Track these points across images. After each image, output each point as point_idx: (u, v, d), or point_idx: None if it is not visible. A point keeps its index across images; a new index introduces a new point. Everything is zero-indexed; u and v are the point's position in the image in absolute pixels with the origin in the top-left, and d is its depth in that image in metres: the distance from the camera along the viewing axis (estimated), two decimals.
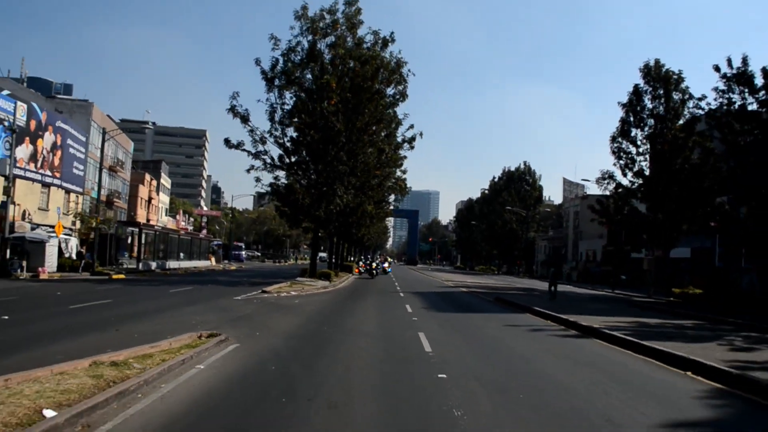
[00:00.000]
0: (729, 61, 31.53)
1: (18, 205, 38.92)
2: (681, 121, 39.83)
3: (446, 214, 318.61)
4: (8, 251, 33.61)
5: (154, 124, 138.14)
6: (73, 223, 46.44)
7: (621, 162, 41.25)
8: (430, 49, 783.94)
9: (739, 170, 31.10)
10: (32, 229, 39.83)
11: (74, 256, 42.02)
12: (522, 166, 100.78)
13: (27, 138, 39.99)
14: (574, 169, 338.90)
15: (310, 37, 35.33)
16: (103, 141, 40.83)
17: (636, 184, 40.82)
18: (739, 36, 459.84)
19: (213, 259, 69.87)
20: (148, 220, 70.91)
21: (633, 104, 40.91)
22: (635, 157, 40.87)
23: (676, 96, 40.22)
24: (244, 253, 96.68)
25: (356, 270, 54.84)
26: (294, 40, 35.28)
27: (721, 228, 35.70)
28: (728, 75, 31.72)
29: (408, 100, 37.80)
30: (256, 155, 35.80)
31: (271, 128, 36.16)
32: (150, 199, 79.47)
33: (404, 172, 47.02)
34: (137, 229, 49.47)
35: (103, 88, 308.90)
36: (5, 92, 39.48)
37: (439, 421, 6.77)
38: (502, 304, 26.37)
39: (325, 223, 37.53)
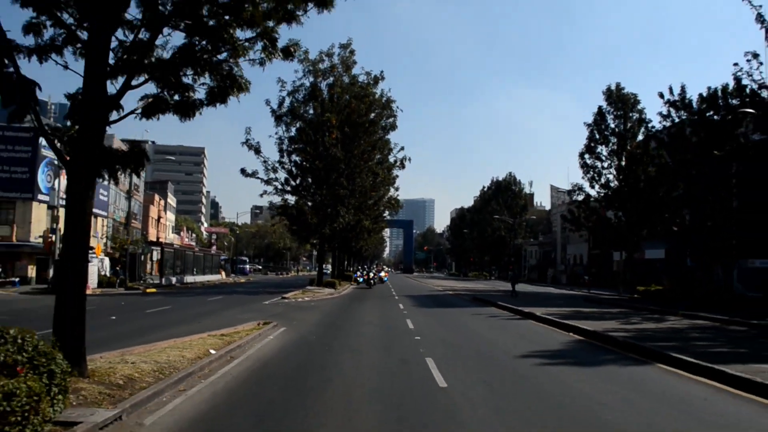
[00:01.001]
0: (671, 89, 37.20)
1: (60, 230, 44.75)
2: (640, 137, 45.71)
3: (441, 221, 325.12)
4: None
5: (153, 143, 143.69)
6: (105, 245, 52.16)
7: (588, 175, 47.12)
8: (422, 57, 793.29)
9: (683, 184, 36.86)
10: None
11: (108, 274, 47.74)
12: (508, 177, 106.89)
13: (63, 170, 45.83)
14: (566, 171, 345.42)
15: (311, 78, 41.38)
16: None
17: (602, 195, 46.66)
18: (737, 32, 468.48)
19: (223, 274, 75.57)
20: (157, 238, 76.52)
21: (598, 123, 46.72)
22: (602, 170, 46.60)
23: (633, 116, 46.26)
24: (248, 266, 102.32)
25: (353, 281, 60.45)
26: (298, 81, 41.36)
27: (678, 232, 41.08)
28: (670, 100, 37.48)
29: (402, 107, 44.26)
30: (268, 182, 41.79)
31: (280, 158, 42.22)
32: (159, 218, 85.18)
33: (397, 189, 53.35)
34: (159, 248, 55.17)
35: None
36: None
37: (415, 357, 12.60)
38: (476, 301, 32.45)
39: (330, 239, 43.51)
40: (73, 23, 8.78)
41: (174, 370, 9.71)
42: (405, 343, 14.50)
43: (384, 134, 44.38)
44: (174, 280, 53.42)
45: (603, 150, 46.98)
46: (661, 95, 38.20)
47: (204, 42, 9.36)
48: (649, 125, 42.50)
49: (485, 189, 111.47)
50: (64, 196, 45.75)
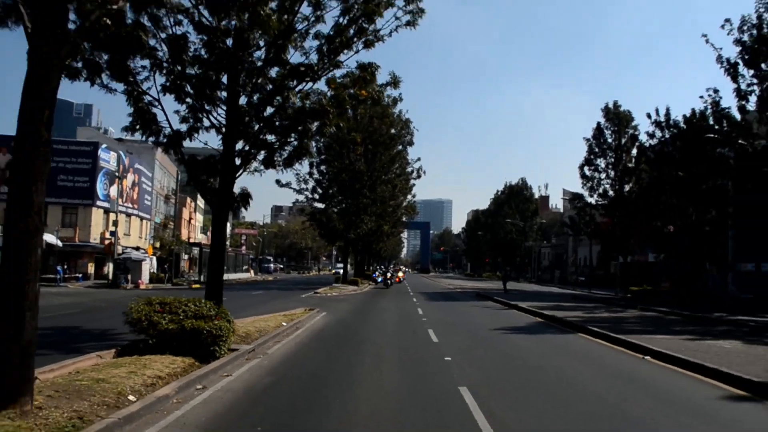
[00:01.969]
0: (657, 111, 41.95)
1: (117, 232, 51.03)
2: (634, 152, 50.63)
3: (458, 222, 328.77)
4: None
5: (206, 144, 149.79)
6: (152, 245, 58.48)
7: (588, 185, 52.16)
8: (443, 56, 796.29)
9: (668, 197, 41.70)
10: (122, 251, 51.90)
11: (156, 271, 53.96)
12: (520, 182, 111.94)
13: (116, 179, 52.10)
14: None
15: None
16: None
17: (600, 203, 51.75)
18: None
19: (252, 272, 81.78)
20: (188, 238, 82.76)
21: (597, 138, 51.79)
22: (601, 181, 51.52)
23: (628, 131, 51.33)
24: (272, 265, 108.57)
25: (372, 280, 66.22)
26: None
27: (671, 238, 45.43)
28: (656, 121, 42.24)
29: (419, 110, 50.93)
30: (299, 191, 47.76)
31: (310, 169, 48.20)
32: (190, 219, 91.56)
33: (413, 196, 59.37)
34: (198, 248, 61.33)
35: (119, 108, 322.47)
36: (104, 146, 51.69)
37: (420, 328, 18.21)
38: (479, 297, 38.10)
39: (354, 243, 49.40)
40: (216, 123, 14.60)
41: (267, 332, 15.42)
42: (414, 322, 20.17)
43: (403, 149, 50.26)
44: None
45: (601, 162, 52.19)
46: (649, 116, 43.12)
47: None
48: (637, 142, 47.54)
49: (498, 193, 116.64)
50: (120, 203, 51.34)
